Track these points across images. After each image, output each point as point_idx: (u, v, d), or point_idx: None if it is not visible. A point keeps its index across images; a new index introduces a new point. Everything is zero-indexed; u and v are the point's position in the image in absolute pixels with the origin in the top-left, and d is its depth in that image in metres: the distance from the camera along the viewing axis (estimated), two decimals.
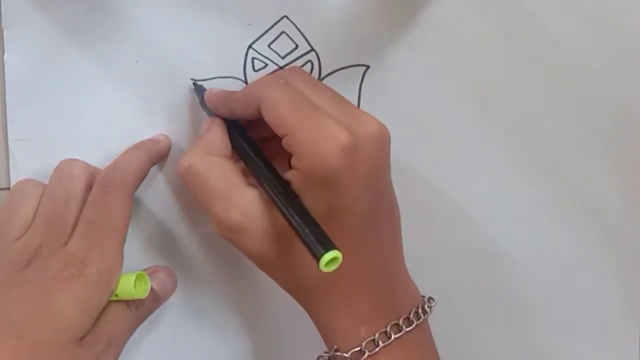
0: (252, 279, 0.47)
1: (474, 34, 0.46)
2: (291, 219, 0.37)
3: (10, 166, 0.45)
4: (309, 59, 0.46)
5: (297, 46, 0.46)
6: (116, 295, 0.41)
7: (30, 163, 0.45)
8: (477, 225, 0.48)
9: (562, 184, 0.48)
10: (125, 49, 0.45)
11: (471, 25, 0.46)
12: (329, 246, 0.35)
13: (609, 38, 0.47)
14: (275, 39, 0.46)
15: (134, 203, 0.44)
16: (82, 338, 0.40)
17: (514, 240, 0.48)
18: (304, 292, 0.41)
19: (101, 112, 0.46)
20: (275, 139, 0.39)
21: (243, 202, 0.39)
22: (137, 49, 0.45)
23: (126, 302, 0.42)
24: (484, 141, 0.48)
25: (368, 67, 0.46)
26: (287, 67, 0.44)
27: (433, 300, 0.42)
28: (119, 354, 0.42)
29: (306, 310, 0.42)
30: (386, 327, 0.39)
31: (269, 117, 0.39)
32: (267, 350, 0.47)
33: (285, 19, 0.46)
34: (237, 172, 0.40)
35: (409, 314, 0.40)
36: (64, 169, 0.43)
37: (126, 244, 0.42)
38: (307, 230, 0.36)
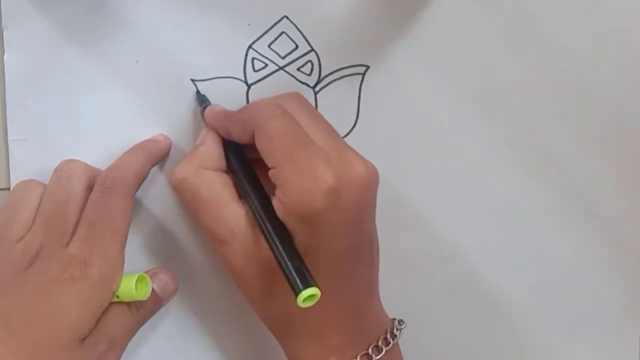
0: None
1: (474, 33, 0.47)
2: (275, 250, 0.38)
3: (10, 166, 0.45)
4: (309, 59, 0.46)
5: (297, 46, 0.46)
6: (117, 296, 0.41)
7: (30, 163, 0.45)
8: (477, 225, 0.48)
9: (562, 184, 0.48)
10: (125, 49, 0.45)
11: (471, 25, 0.46)
12: (308, 282, 0.35)
13: (610, 38, 0.47)
14: (275, 39, 0.46)
15: (135, 204, 0.44)
16: (83, 339, 0.40)
17: (514, 240, 0.48)
18: (277, 321, 0.42)
19: (101, 112, 0.46)
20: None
21: (230, 219, 0.40)
22: (137, 49, 0.45)
23: (127, 303, 0.42)
24: (484, 141, 0.48)
25: (368, 67, 0.46)
26: (286, 93, 0.43)
27: (403, 322, 0.43)
28: (120, 355, 0.42)
29: (277, 338, 0.43)
30: (356, 357, 0.40)
31: (261, 146, 0.39)
32: (267, 350, 0.47)
33: (285, 19, 0.46)
34: (228, 187, 0.41)
35: (378, 342, 0.41)
36: (63, 170, 0.43)
37: (127, 245, 0.42)
38: (289, 263, 0.37)
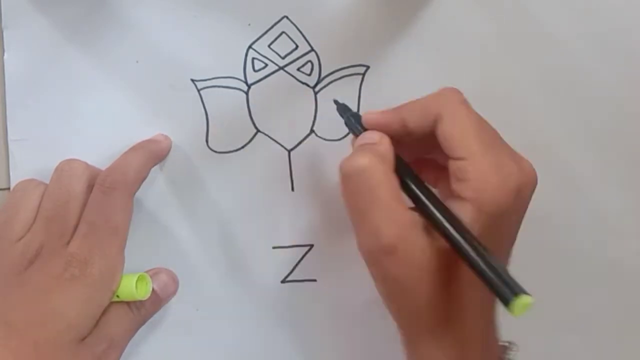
0: (252, 280, 0.47)
1: (474, 34, 0.47)
2: (474, 261, 0.33)
3: (10, 166, 0.46)
4: (309, 59, 0.46)
5: (297, 46, 0.46)
6: (117, 296, 0.41)
7: (30, 163, 0.45)
8: None
9: (562, 183, 0.48)
10: (125, 49, 0.45)
11: (471, 25, 0.46)
12: (519, 290, 0.32)
13: (610, 38, 0.47)
14: (275, 39, 0.46)
15: (135, 204, 0.44)
16: (83, 339, 0.40)
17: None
18: (429, 328, 0.36)
19: (101, 112, 0.46)
20: (426, 163, 0.39)
21: (407, 222, 0.35)
22: (137, 49, 0.45)
23: (127, 303, 0.42)
24: None
25: (368, 67, 0.46)
26: (446, 87, 0.38)
27: (515, 345, 0.41)
28: (120, 355, 0.42)
29: (406, 340, 0.38)
30: None
31: (449, 134, 0.36)
32: (266, 350, 0.47)
33: (285, 19, 0.46)
34: (401, 191, 0.36)
35: None
36: (64, 170, 0.43)
37: (127, 245, 0.42)
38: (492, 273, 0.33)
